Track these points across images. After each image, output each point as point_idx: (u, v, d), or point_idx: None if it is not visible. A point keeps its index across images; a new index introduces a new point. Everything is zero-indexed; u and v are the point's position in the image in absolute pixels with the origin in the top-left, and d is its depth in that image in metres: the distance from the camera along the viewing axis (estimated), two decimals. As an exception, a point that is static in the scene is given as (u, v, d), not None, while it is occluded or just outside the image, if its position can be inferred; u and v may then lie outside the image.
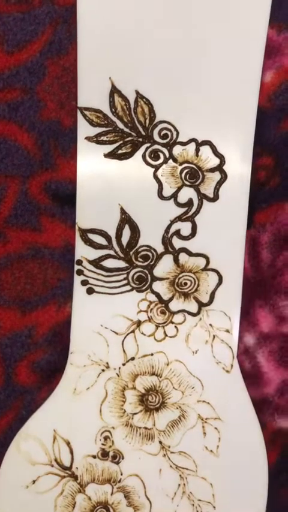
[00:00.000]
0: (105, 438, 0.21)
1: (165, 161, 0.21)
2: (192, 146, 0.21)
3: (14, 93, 0.21)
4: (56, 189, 0.22)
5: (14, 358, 0.22)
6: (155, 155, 0.21)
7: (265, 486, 0.22)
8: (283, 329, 0.23)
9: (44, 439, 0.21)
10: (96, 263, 0.21)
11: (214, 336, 0.21)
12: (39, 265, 0.22)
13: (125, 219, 0.21)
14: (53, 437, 0.21)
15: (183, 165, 0.21)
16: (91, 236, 0.21)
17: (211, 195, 0.21)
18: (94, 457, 0.21)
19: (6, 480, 0.21)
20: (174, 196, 0.21)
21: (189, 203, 0.21)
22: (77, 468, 0.21)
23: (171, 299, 0.21)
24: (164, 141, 0.20)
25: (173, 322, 0.21)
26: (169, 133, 0.20)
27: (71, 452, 0.21)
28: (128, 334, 0.21)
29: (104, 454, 0.21)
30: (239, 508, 0.22)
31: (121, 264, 0.21)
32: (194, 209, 0.21)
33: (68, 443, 0.21)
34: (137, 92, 0.20)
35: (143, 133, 0.20)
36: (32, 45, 0.21)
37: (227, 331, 0.22)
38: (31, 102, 0.21)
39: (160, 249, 0.21)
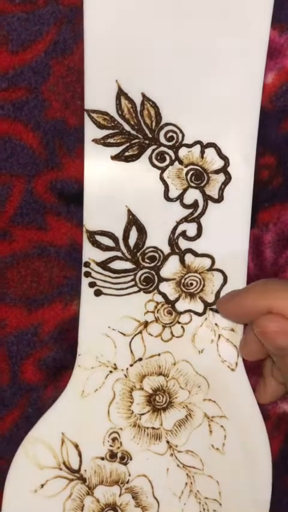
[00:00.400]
0: (113, 439, 0.22)
1: (171, 163, 0.21)
2: (197, 148, 0.21)
3: (18, 93, 0.21)
4: (61, 188, 0.22)
5: (20, 355, 0.22)
6: (161, 157, 0.21)
7: (269, 482, 0.23)
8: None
9: (52, 442, 0.21)
10: (103, 265, 0.21)
11: (219, 335, 0.22)
12: (45, 264, 0.22)
13: (132, 221, 0.21)
14: (61, 440, 0.22)
15: (189, 167, 0.21)
16: (98, 238, 0.21)
17: (216, 196, 0.22)
18: (102, 458, 0.22)
19: (14, 485, 0.21)
20: (180, 197, 0.22)
21: (195, 204, 0.22)
22: (85, 471, 0.22)
23: (177, 299, 0.22)
24: (170, 144, 0.21)
25: (179, 322, 0.22)
26: (175, 135, 0.21)
27: (79, 454, 0.22)
28: (135, 335, 0.22)
29: (112, 456, 0.22)
30: (244, 504, 0.23)
31: (128, 265, 0.22)
32: (199, 210, 0.22)
33: (76, 446, 0.22)
34: (143, 95, 0.21)
35: (150, 135, 0.21)
36: (37, 45, 0.21)
37: (232, 330, 0.22)
38: (36, 101, 0.22)
39: (166, 250, 0.22)
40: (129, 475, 0.22)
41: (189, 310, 0.22)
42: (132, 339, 0.22)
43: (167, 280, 0.22)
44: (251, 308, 0.19)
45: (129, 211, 0.21)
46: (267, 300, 0.18)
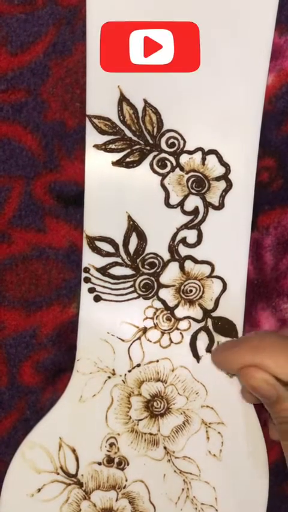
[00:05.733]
0: (111, 445, 0.26)
1: (172, 169, 0.25)
2: (198, 155, 0.25)
3: (18, 94, 0.25)
4: (60, 190, 0.25)
5: (18, 358, 0.26)
6: (162, 163, 0.25)
7: (266, 489, 0.26)
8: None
9: (49, 447, 0.25)
10: (103, 271, 0.25)
11: (218, 342, 0.26)
12: (43, 266, 0.25)
13: (132, 227, 0.25)
14: (58, 445, 0.25)
15: (190, 174, 0.25)
16: (99, 244, 0.25)
17: (216, 204, 0.25)
18: (99, 463, 0.26)
19: (11, 489, 0.25)
20: (181, 204, 0.25)
21: (195, 211, 0.25)
22: (82, 475, 0.25)
23: (176, 306, 0.26)
24: (171, 150, 0.25)
25: (178, 329, 0.26)
26: (176, 142, 0.24)
27: (77, 459, 0.25)
28: (134, 341, 0.25)
29: (110, 461, 0.26)
30: (240, 510, 0.27)
31: (128, 271, 0.25)
32: (200, 217, 0.25)
33: (74, 451, 0.25)
34: (145, 101, 0.24)
35: (151, 141, 0.24)
36: (36, 46, 0.24)
37: (231, 338, 0.26)
38: (35, 103, 0.25)
39: (166, 256, 0.25)
40: (126, 480, 0.26)
41: (188, 317, 0.26)
42: (131, 344, 0.25)
43: (167, 286, 0.25)
44: (239, 364, 0.22)
45: (129, 217, 0.25)
46: (257, 359, 0.21)
